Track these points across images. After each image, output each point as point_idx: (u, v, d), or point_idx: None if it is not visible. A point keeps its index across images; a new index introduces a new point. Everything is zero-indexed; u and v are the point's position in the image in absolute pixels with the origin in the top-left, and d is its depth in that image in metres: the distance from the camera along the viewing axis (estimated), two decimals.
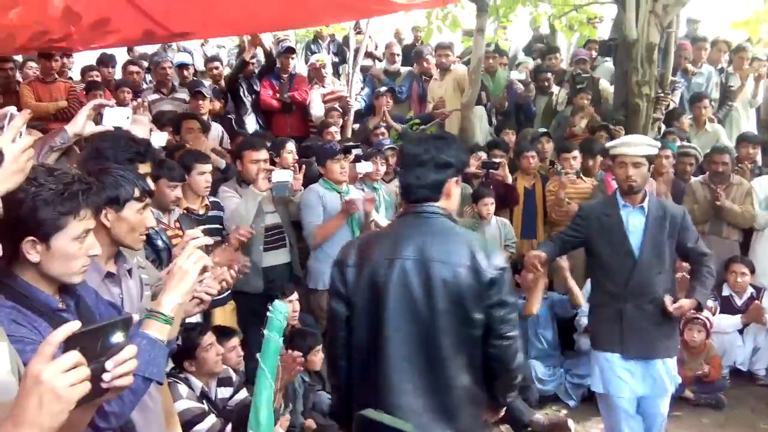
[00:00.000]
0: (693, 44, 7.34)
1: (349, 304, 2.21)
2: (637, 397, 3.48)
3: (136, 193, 2.10)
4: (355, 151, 4.89)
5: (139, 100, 5.36)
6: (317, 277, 4.45)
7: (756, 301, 5.06)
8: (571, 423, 4.25)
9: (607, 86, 6.92)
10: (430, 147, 2.19)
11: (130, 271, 2.18)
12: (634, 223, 3.43)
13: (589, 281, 3.97)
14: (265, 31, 6.68)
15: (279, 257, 4.50)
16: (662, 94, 6.21)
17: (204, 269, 1.83)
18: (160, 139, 3.92)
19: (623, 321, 3.42)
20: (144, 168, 2.45)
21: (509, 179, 5.54)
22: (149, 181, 2.36)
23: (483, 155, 5.66)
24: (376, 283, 2.13)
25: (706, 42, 7.39)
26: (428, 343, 2.09)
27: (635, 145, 3.40)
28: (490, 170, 5.52)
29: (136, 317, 1.46)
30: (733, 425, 4.48)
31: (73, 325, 1.16)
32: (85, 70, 7.10)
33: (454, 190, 2.23)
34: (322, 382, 3.79)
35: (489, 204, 5.20)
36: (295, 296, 4.02)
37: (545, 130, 6.30)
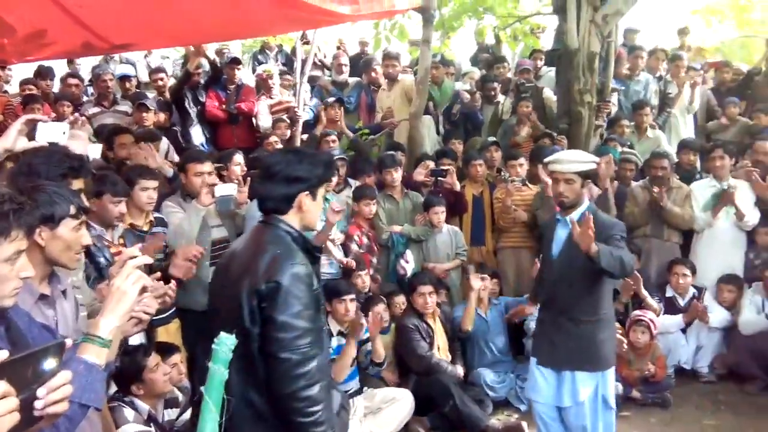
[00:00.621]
0: (630, 53, 7.56)
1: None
2: (556, 406, 3.52)
3: (72, 210, 2.03)
4: None
5: (76, 114, 5.21)
6: None
7: (695, 301, 5.23)
8: (524, 425, 4.30)
9: (550, 95, 7.08)
10: (281, 161, 2.23)
11: (64, 292, 2.10)
12: (561, 235, 3.47)
13: None
14: (210, 42, 6.61)
15: None
16: (603, 102, 6.39)
17: (143, 289, 1.78)
18: (94, 151, 3.81)
19: (541, 329, 3.56)
20: (77, 184, 2.37)
21: (458, 187, 5.60)
22: (84, 197, 2.29)
23: (431, 164, 5.72)
24: (210, 290, 2.28)
25: (643, 51, 7.62)
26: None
27: (567, 162, 3.41)
28: (439, 178, 5.58)
29: (69, 341, 1.41)
30: (679, 423, 4.60)
31: (0, 355, 1.12)
32: (23, 83, 6.88)
33: (308, 203, 2.24)
34: None
35: (440, 212, 5.26)
36: None
37: (494, 139, 6.40)
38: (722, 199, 5.37)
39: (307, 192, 2.23)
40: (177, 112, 6.49)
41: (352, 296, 4.30)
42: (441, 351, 4.71)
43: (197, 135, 6.42)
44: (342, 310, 4.24)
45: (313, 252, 2.25)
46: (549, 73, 7.76)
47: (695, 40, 9.07)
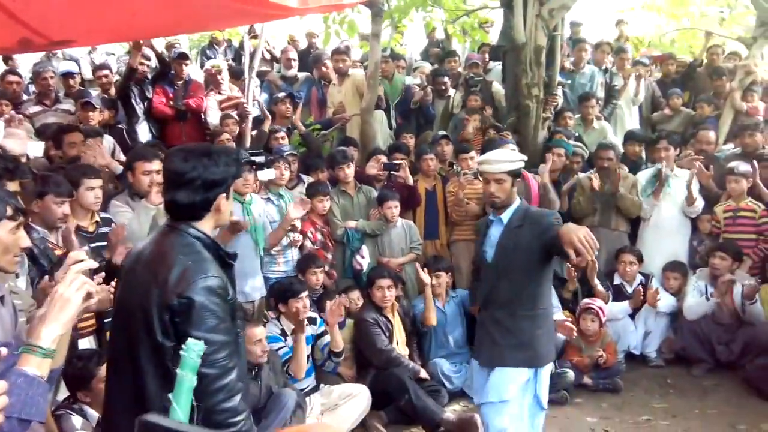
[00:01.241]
0: (575, 46, 7.71)
1: None
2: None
3: (9, 211, 1.95)
4: (256, 159, 4.77)
5: (12, 113, 5.02)
6: None
7: (647, 287, 5.37)
8: (477, 418, 4.33)
9: (499, 89, 7.15)
10: (198, 165, 2.11)
11: (2, 298, 2.02)
12: (495, 233, 3.44)
13: None
14: (155, 37, 6.43)
15: None
16: (550, 95, 6.49)
17: (88, 295, 1.72)
18: (36, 149, 3.68)
19: (482, 328, 3.51)
20: (13, 186, 2.29)
21: (410, 180, 5.62)
22: (25, 198, 2.20)
23: (384, 158, 5.73)
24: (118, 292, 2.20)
25: (586, 44, 7.77)
26: (133, 365, 2.04)
27: (496, 163, 3.37)
28: (392, 172, 5.59)
29: (4, 351, 1.35)
30: (630, 407, 4.72)
31: None
32: None
33: (224, 204, 2.19)
34: None
35: (393, 207, 5.27)
36: None
37: (444, 132, 6.44)
38: (659, 180, 5.53)
39: (224, 193, 2.17)
40: (123, 108, 6.32)
41: (307, 293, 4.29)
42: (400, 345, 4.72)
43: (144, 132, 6.27)
44: (301, 308, 4.22)
45: (225, 258, 2.17)
46: (498, 66, 7.85)
47: (635, 33, 9.29)
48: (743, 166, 5.47)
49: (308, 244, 5.07)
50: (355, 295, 4.91)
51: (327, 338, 4.40)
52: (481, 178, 3.61)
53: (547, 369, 3.43)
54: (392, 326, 4.70)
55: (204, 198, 2.13)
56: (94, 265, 1.85)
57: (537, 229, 3.26)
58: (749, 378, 4.90)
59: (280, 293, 4.34)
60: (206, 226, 2.17)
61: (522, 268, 3.31)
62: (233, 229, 4.07)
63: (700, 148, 5.98)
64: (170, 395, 2.69)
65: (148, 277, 2.04)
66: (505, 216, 3.39)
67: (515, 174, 3.39)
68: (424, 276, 4.85)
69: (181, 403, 2.66)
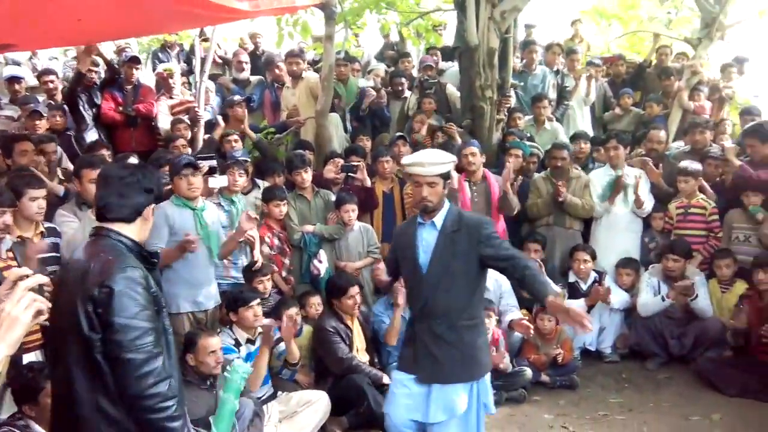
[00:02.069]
0: (526, 48, 7.80)
1: None
2: (422, 423, 3.21)
3: None
4: (207, 164, 4.64)
5: None
6: (169, 299, 4.13)
7: (597, 285, 5.45)
8: None
9: (453, 91, 7.19)
10: (136, 171, 2.35)
11: None
12: (427, 239, 3.22)
13: None
14: (102, 41, 6.28)
15: None
16: (504, 97, 6.56)
17: (38, 313, 1.64)
18: None
19: (416, 342, 3.24)
20: None
21: (368, 182, 5.60)
22: None
23: (341, 161, 5.70)
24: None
25: (537, 45, 7.86)
26: (64, 370, 2.11)
27: (429, 165, 3.15)
28: (349, 174, 5.56)
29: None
30: (587, 402, 4.79)
31: None
32: None
33: (151, 215, 2.38)
34: None
35: (351, 210, 5.24)
36: None
37: (401, 134, 6.44)
38: (616, 186, 5.64)
39: (153, 204, 2.37)
40: (71, 115, 6.15)
41: (258, 301, 4.21)
42: (360, 352, 4.66)
43: (93, 139, 6.10)
44: (251, 317, 4.16)
45: (149, 259, 2.30)
46: (452, 69, 7.90)
47: (586, 36, 9.48)
48: (693, 165, 5.61)
49: (266, 249, 5.00)
50: (316, 300, 4.85)
51: (282, 345, 4.34)
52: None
53: (488, 374, 3.29)
54: (352, 333, 4.63)
55: (139, 203, 2.30)
56: (44, 279, 1.78)
57: (475, 237, 3.12)
58: (700, 370, 5.04)
59: (230, 302, 4.27)
60: (132, 231, 2.29)
61: (461, 275, 3.14)
62: (182, 248, 3.92)
63: (651, 147, 6.11)
64: (211, 418, 2.66)
65: (75, 278, 2.12)
66: (438, 220, 3.20)
67: (446, 176, 3.21)
68: (401, 298, 4.63)
69: (222, 427, 2.60)
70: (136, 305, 2.07)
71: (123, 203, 2.27)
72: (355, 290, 4.65)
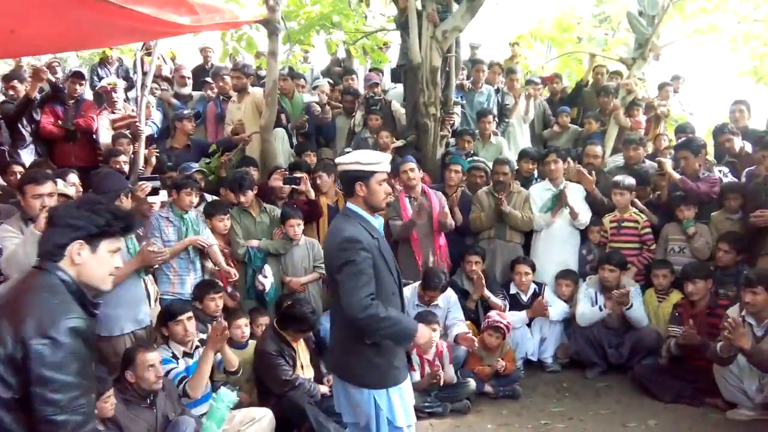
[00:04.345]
0: (473, 66, 7.99)
1: None
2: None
3: None
4: (150, 184, 4.64)
5: None
6: (111, 322, 4.10)
7: (539, 298, 5.58)
8: None
9: (398, 107, 7.30)
10: (65, 207, 2.21)
11: None
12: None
13: None
14: (39, 54, 6.17)
15: None
16: (447, 114, 6.69)
17: None
18: None
19: (333, 326, 3.18)
20: None
21: (312, 194, 5.61)
22: None
23: (286, 172, 5.71)
24: None
25: (483, 64, 8.08)
26: None
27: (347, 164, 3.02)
28: (293, 186, 5.57)
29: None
30: (528, 412, 4.87)
31: None
32: None
33: (84, 255, 2.12)
34: (118, 428, 3.49)
35: (296, 225, 5.25)
36: None
37: (349, 150, 6.47)
38: (559, 200, 5.81)
39: (81, 241, 2.11)
40: (7, 129, 5.97)
41: (189, 315, 4.13)
42: (304, 369, 4.60)
43: (28, 156, 5.94)
44: (181, 331, 4.08)
45: (89, 307, 2.11)
46: (397, 86, 8.02)
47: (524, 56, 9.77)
48: (628, 180, 5.82)
49: (209, 265, 4.95)
50: (264, 320, 4.83)
51: (219, 356, 4.25)
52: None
53: (395, 390, 2.96)
54: (296, 353, 4.54)
55: (57, 242, 2.10)
56: None
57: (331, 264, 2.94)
58: (637, 378, 5.18)
59: (162, 317, 4.20)
60: (71, 272, 2.10)
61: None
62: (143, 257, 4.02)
63: (588, 161, 6.32)
64: None
65: (6, 308, 1.96)
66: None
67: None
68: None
69: None
70: (77, 360, 1.94)
71: (47, 239, 2.13)
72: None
